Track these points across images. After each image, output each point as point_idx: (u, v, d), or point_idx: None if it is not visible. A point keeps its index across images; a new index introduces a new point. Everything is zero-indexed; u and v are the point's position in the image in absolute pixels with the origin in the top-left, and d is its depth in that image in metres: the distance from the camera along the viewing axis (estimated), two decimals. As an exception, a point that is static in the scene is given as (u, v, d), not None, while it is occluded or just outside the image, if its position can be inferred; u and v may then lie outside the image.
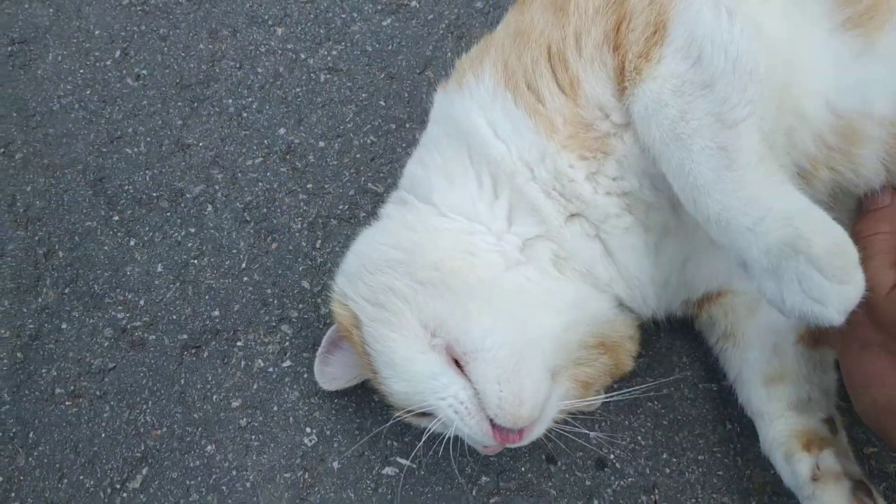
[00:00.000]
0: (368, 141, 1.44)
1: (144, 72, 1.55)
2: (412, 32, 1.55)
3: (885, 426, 0.84)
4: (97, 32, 1.60)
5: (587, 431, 1.07)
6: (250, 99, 1.50)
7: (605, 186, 0.96)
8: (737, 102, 0.84)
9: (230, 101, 1.50)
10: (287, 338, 1.26)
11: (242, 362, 1.24)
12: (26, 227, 1.38)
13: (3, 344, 1.27)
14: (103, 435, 1.19)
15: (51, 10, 1.63)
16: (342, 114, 1.47)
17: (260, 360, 1.24)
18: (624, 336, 1.07)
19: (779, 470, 1.00)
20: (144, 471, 1.16)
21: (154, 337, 1.26)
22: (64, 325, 1.28)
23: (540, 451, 1.12)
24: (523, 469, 1.13)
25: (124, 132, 1.47)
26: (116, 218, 1.38)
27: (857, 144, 0.93)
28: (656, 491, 1.10)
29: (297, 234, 1.35)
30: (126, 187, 1.41)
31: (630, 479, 1.12)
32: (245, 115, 1.48)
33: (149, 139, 1.46)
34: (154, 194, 1.40)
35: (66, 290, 1.31)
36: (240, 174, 1.41)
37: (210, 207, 1.38)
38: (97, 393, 1.22)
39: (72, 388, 1.23)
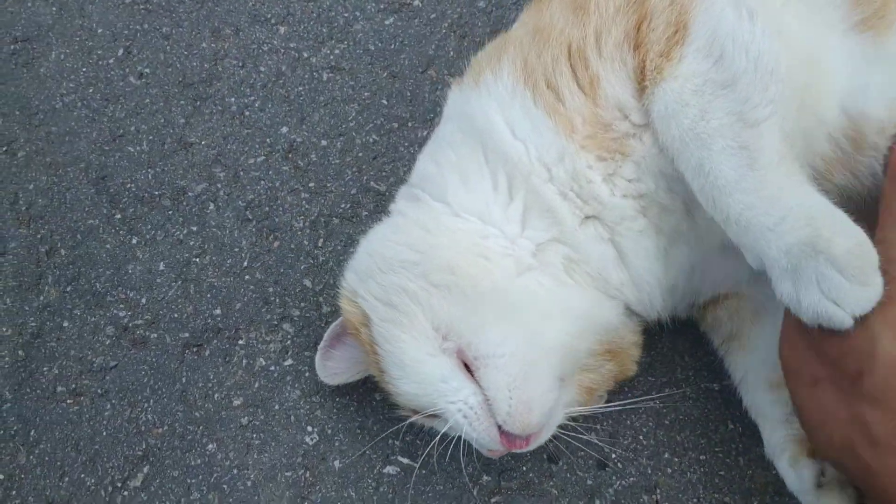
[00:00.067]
0: (371, 140, 1.44)
1: (147, 70, 1.55)
2: (415, 31, 1.55)
3: (844, 462, 0.82)
4: (100, 31, 1.60)
5: (589, 438, 1.07)
6: (253, 97, 1.50)
7: (621, 188, 0.96)
8: (759, 102, 0.84)
9: (232, 99, 1.50)
10: (289, 336, 1.25)
11: (244, 361, 1.24)
12: (28, 225, 1.38)
13: (4, 342, 1.27)
14: (104, 433, 1.19)
15: (54, 9, 1.63)
16: (344, 112, 1.47)
17: (261, 359, 1.24)
18: (629, 343, 1.08)
19: (782, 475, 0.99)
20: (145, 469, 1.16)
21: (156, 335, 1.26)
22: (65, 324, 1.28)
23: (541, 450, 1.12)
24: (525, 468, 1.13)
25: (127, 130, 1.47)
26: (118, 216, 1.38)
27: (861, 150, 0.93)
28: (658, 491, 1.10)
29: (299, 233, 1.35)
30: (128, 185, 1.41)
31: (632, 479, 1.11)
32: (247, 113, 1.48)
33: (151, 137, 1.46)
34: (156, 192, 1.40)
35: (68, 289, 1.31)
36: (242, 173, 1.41)
37: (212, 206, 1.38)
38: (98, 391, 1.22)
39: (73, 386, 1.23)
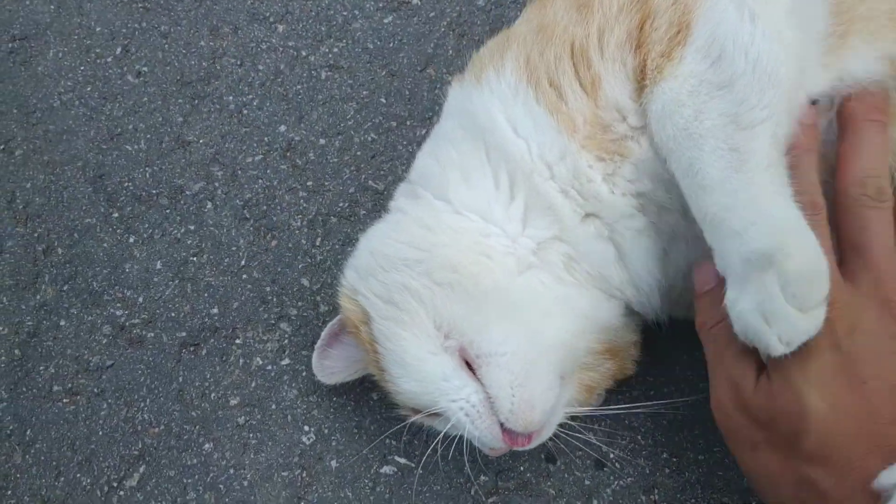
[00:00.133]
0: (369, 138, 1.43)
1: (145, 69, 1.54)
2: (413, 30, 1.55)
3: None
4: (98, 29, 1.60)
5: (587, 438, 1.06)
6: (251, 96, 1.49)
7: (621, 188, 0.95)
8: (755, 105, 0.83)
9: (231, 98, 1.49)
10: (286, 336, 1.25)
11: (241, 360, 1.23)
12: (25, 223, 1.37)
13: (0, 341, 1.27)
14: (100, 433, 1.18)
15: (52, 7, 1.62)
16: (343, 111, 1.47)
17: (258, 358, 1.23)
18: (629, 342, 1.07)
19: None
20: (142, 469, 1.15)
21: (152, 334, 1.26)
22: (62, 323, 1.28)
23: (539, 450, 1.12)
24: (522, 468, 1.13)
25: (124, 129, 1.47)
26: (116, 215, 1.38)
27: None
28: (656, 491, 1.10)
29: (297, 232, 1.34)
30: (126, 184, 1.41)
31: (629, 479, 1.11)
32: (245, 112, 1.48)
33: (149, 136, 1.46)
34: (154, 191, 1.40)
35: (65, 287, 1.31)
36: (240, 171, 1.41)
37: (210, 205, 1.38)
38: (95, 390, 1.22)
39: (69, 385, 1.22)
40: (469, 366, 0.96)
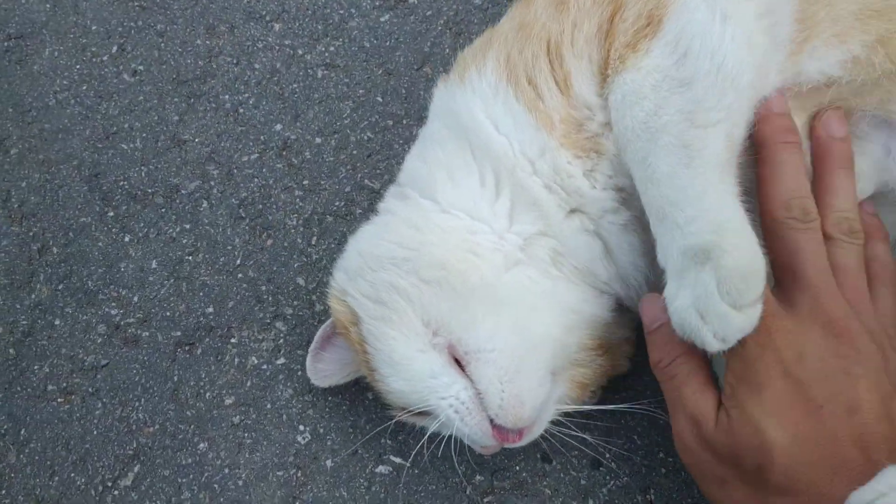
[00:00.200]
0: (365, 137, 1.43)
1: (141, 67, 1.54)
2: (410, 28, 1.54)
3: None
4: (94, 28, 1.59)
5: (583, 437, 1.06)
6: (247, 95, 1.49)
7: (602, 183, 0.95)
8: (712, 106, 0.83)
9: (227, 96, 1.49)
10: (281, 335, 1.25)
11: (236, 359, 1.23)
12: (20, 222, 1.37)
13: (-5, 340, 1.26)
14: (95, 432, 1.18)
15: (48, 6, 1.62)
16: (339, 110, 1.46)
17: (254, 358, 1.23)
18: (621, 338, 1.07)
19: None
20: (136, 468, 1.15)
21: (147, 334, 1.26)
22: (57, 322, 1.27)
23: (535, 449, 1.11)
24: (518, 468, 1.12)
25: (120, 128, 1.47)
26: (111, 214, 1.37)
27: None
28: (652, 490, 1.09)
29: (293, 231, 1.34)
30: (121, 183, 1.40)
31: (625, 479, 1.11)
32: (241, 111, 1.47)
33: (144, 135, 1.46)
34: (149, 190, 1.39)
35: (60, 287, 1.31)
36: (235, 170, 1.40)
37: (205, 203, 1.37)
38: (89, 390, 1.21)
39: (64, 384, 1.22)
40: (458, 363, 0.96)
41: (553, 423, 1.03)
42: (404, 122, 1.43)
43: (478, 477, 1.12)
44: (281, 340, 1.24)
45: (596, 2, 0.92)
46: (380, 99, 1.47)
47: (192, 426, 1.18)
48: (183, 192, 1.39)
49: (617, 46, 0.88)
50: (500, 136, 0.96)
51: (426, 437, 1.02)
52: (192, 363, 1.23)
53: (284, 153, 1.42)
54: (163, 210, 1.37)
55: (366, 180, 1.38)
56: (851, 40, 0.89)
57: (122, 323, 1.27)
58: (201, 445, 1.16)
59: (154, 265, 1.32)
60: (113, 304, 1.28)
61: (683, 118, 0.83)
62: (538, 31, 0.95)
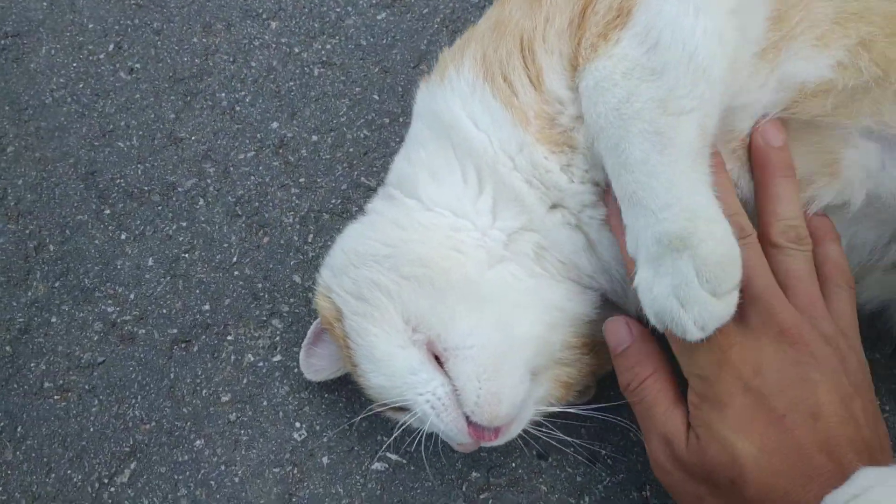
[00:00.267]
0: (362, 135, 1.43)
1: (138, 65, 1.54)
2: (407, 26, 1.54)
3: None
4: (91, 26, 1.59)
5: (579, 434, 1.06)
6: (243, 93, 1.49)
7: (579, 177, 0.96)
8: (684, 94, 0.83)
9: (223, 94, 1.49)
10: (278, 332, 1.25)
11: (232, 357, 1.23)
12: (17, 220, 1.37)
13: (-8, 337, 1.27)
14: (91, 429, 1.18)
15: (44, 4, 1.62)
16: (336, 108, 1.46)
17: (250, 355, 1.23)
18: None
19: None
20: (133, 465, 1.15)
21: (144, 331, 1.26)
22: (54, 319, 1.27)
23: (531, 446, 1.11)
24: (514, 465, 1.12)
25: (117, 126, 1.47)
26: (108, 211, 1.37)
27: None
28: (648, 487, 1.10)
29: (289, 229, 1.34)
30: (118, 181, 1.40)
31: (621, 476, 1.11)
32: (238, 108, 1.47)
33: (141, 133, 1.46)
34: (146, 188, 1.39)
35: (57, 284, 1.31)
36: (232, 168, 1.40)
37: (202, 201, 1.37)
38: (86, 387, 1.21)
39: (60, 382, 1.22)
40: (438, 360, 0.97)
41: (541, 425, 1.03)
42: (400, 119, 1.43)
43: (474, 474, 1.12)
44: (277, 338, 1.24)
45: None
46: (376, 97, 1.47)
47: (188, 423, 1.18)
48: (179, 189, 1.39)
49: (588, 36, 0.89)
50: (479, 133, 0.97)
51: (422, 434, 1.02)
52: (188, 360, 1.23)
53: (281, 151, 1.42)
54: (159, 208, 1.37)
55: (362, 178, 1.38)
56: (834, 44, 0.89)
57: (118, 320, 1.27)
58: (198, 442, 1.16)
59: (150, 263, 1.32)
60: (109, 301, 1.28)
61: (656, 105, 0.83)
62: (512, 28, 0.96)
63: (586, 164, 0.94)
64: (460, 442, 0.99)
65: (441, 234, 1.00)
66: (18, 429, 1.18)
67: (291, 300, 1.27)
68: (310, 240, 1.33)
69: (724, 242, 0.80)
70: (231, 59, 1.53)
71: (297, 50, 1.54)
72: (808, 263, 0.92)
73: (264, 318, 1.26)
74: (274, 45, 1.54)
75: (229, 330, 1.25)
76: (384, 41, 1.53)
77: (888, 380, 1.15)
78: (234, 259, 1.32)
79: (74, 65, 1.55)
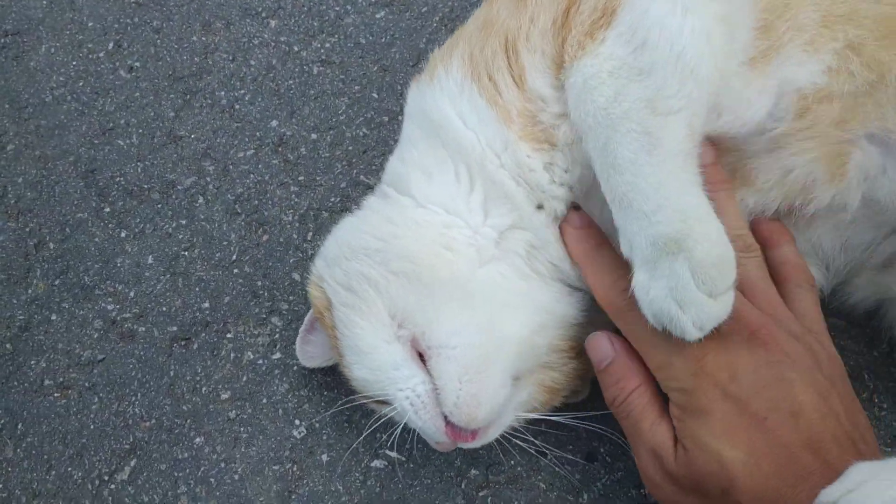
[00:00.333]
0: (361, 133, 1.43)
1: (137, 64, 1.54)
2: (406, 25, 1.55)
3: None
4: (90, 24, 1.60)
5: (578, 432, 1.07)
6: (243, 91, 1.49)
7: (559, 176, 0.97)
8: (672, 94, 0.84)
9: (222, 93, 1.50)
10: (277, 330, 1.25)
11: (232, 354, 1.23)
12: (17, 218, 1.37)
13: (-8, 335, 1.27)
14: (92, 426, 1.18)
15: (44, 2, 1.62)
16: (335, 106, 1.47)
17: (249, 353, 1.23)
18: None
19: None
20: (133, 462, 1.16)
21: (144, 329, 1.26)
22: (54, 317, 1.28)
23: (529, 444, 1.12)
24: (513, 462, 1.13)
25: (116, 124, 1.47)
26: (107, 209, 1.38)
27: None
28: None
29: (289, 227, 1.35)
30: (117, 179, 1.41)
31: (620, 474, 1.11)
32: (237, 107, 1.48)
33: (141, 131, 1.46)
34: (145, 186, 1.40)
35: (57, 282, 1.31)
36: (231, 166, 1.41)
37: (201, 199, 1.38)
38: (86, 384, 1.22)
39: (61, 379, 1.22)
40: (422, 357, 0.97)
41: (548, 420, 1.04)
42: (399, 118, 1.44)
43: (473, 471, 1.13)
44: (277, 335, 1.25)
45: None
46: (375, 95, 1.48)
47: (188, 421, 1.18)
48: (179, 188, 1.39)
49: (575, 35, 0.89)
50: (468, 131, 0.97)
51: (372, 425, 1.04)
52: (188, 358, 1.23)
53: (280, 149, 1.43)
54: (159, 206, 1.37)
55: (361, 176, 1.39)
56: (823, 48, 0.90)
57: (118, 318, 1.27)
58: (197, 440, 1.17)
59: (150, 261, 1.32)
60: (109, 299, 1.29)
61: (644, 105, 0.84)
62: (498, 27, 0.97)
63: (566, 162, 0.95)
64: (437, 441, 1.00)
65: (433, 231, 1.00)
66: (19, 426, 1.19)
67: (291, 298, 1.28)
68: (309, 238, 1.33)
69: (719, 243, 0.81)
70: (230, 58, 1.53)
71: (296, 48, 1.54)
72: (761, 269, 0.93)
73: (264, 316, 1.26)
74: (273, 44, 1.55)
75: (229, 328, 1.25)
76: (383, 40, 1.54)
77: (885, 378, 1.15)
78: (234, 257, 1.32)
79: (74, 63, 1.55)
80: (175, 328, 1.26)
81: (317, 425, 1.17)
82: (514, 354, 0.96)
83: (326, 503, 1.11)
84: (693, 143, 0.85)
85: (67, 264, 1.32)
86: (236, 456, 1.15)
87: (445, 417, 0.95)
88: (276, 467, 1.14)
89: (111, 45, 1.57)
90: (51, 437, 1.18)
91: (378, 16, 1.56)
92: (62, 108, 1.49)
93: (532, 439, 1.05)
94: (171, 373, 1.22)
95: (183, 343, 1.25)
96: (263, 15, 1.58)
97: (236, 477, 1.14)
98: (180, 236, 1.34)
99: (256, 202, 1.37)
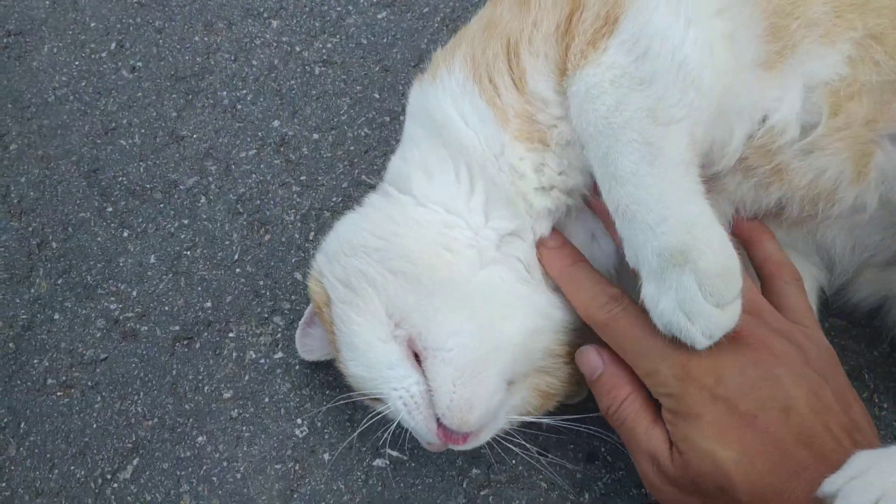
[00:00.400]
0: (362, 133, 1.44)
1: (139, 64, 1.55)
2: (407, 25, 1.55)
3: None
4: (93, 24, 1.60)
5: (579, 431, 1.07)
6: (245, 91, 1.50)
7: (549, 179, 0.97)
8: (673, 103, 0.84)
9: (224, 93, 1.50)
10: (279, 329, 1.26)
11: (234, 353, 1.24)
12: (20, 217, 1.38)
13: (-5, 334, 1.27)
14: (94, 425, 1.19)
15: (47, 3, 1.63)
16: (336, 106, 1.47)
17: (252, 352, 1.24)
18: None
19: None
20: (135, 461, 1.16)
21: (146, 328, 1.26)
22: (56, 316, 1.28)
23: (531, 443, 1.12)
24: (514, 461, 1.13)
25: (119, 124, 1.47)
26: (110, 209, 1.38)
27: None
28: (647, 484, 1.10)
29: (290, 226, 1.35)
30: (120, 178, 1.41)
31: (621, 473, 1.12)
32: (239, 107, 1.48)
33: (143, 131, 1.46)
34: (148, 186, 1.40)
35: (59, 281, 1.31)
36: (233, 166, 1.41)
37: (203, 199, 1.38)
38: (89, 383, 1.22)
39: (63, 378, 1.23)
40: (418, 357, 0.97)
41: (549, 419, 1.04)
42: (401, 118, 1.44)
43: (474, 470, 1.13)
44: (279, 335, 1.25)
45: (556, 1, 0.93)
46: (377, 95, 1.48)
47: (190, 420, 1.19)
48: (181, 187, 1.39)
49: (577, 43, 0.89)
50: (469, 131, 0.98)
51: (367, 422, 1.04)
52: (190, 357, 1.24)
53: (282, 149, 1.43)
54: (161, 205, 1.38)
55: (363, 176, 1.39)
56: (839, 38, 0.90)
57: (120, 317, 1.27)
58: (200, 439, 1.17)
59: (153, 260, 1.33)
60: (112, 298, 1.29)
61: (645, 115, 0.84)
62: (501, 30, 0.97)
63: (559, 165, 0.96)
64: (429, 441, 1.00)
65: (434, 230, 1.01)
66: (22, 425, 1.19)
67: (293, 297, 1.28)
68: (311, 237, 1.34)
69: (723, 254, 0.81)
70: (232, 58, 1.54)
71: (298, 48, 1.54)
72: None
73: (266, 316, 1.27)
74: (275, 44, 1.55)
75: (231, 327, 1.26)
76: (385, 40, 1.54)
77: (886, 378, 1.15)
78: (236, 256, 1.32)
79: (77, 63, 1.55)
80: (177, 327, 1.26)
81: (318, 424, 1.17)
82: (509, 358, 0.97)
83: (328, 502, 1.12)
84: (694, 152, 0.86)
85: (70, 264, 1.33)
86: (238, 455, 1.15)
87: (438, 419, 0.96)
88: (278, 466, 1.15)
89: (113, 45, 1.57)
90: (53, 435, 1.18)
91: (380, 16, 1.57)
92: (65, 108, 1.50)
93: (525, 443, 1.05)
94: (174, 372, 1.23)
95: (185, 342, 1.25)
96: (265, 15, 1.59)
97: (238, 476, 1.14)
98: (182, 236, 1.35)
99: (258, 202, 1.37)
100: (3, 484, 1.14)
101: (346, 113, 1.46)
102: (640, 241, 0.83)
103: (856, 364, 1.16)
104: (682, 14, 0.85)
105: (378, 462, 1.14)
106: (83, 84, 1.52)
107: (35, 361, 1.24)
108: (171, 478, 1.14)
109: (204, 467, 1.15)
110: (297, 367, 1.21)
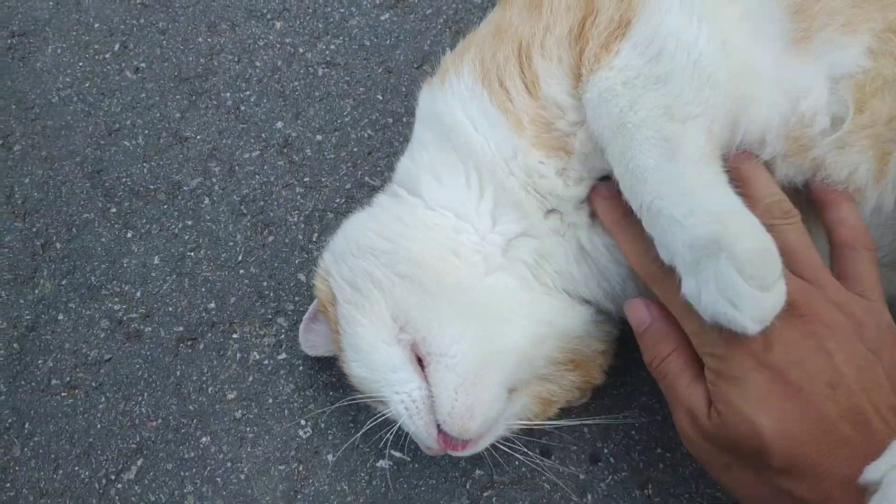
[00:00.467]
0: (366, 135, 1.44)
1: (143, 65, 1.55)
2: (410, 27, 1.55)
3: None
4: (96, 25, 1.60)
5: (581, 432, 1.07)
6: (248, 92, 1.50)
7: (574, 179, 0.96)
8: (690, 100, 0.84)
9: (228, 94, 1.50)
10: (283, 330, 1.26)
11: (238, 354, 1.24)
12: (24, 218, 1.38)
13: (-1, 335, 1.27)
14: (98, 426, 1.19)
15: (50, 4, 1.63)
16: (340, 108, 1.47)
17: (255, 353, 1.24)
18: (596, 351, 1.07)
19: None
20: (139, 462, 1.16)
21: (150, 329, 1.27)
22: (60, 317, 1.28)
23: (534, 444, 1.12)
24: (517, 463, 1.13)
25: (122, 125, 1.48)
26: (114, 210, 1.38)
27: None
28: (650, 486, 1.10)
29: (294, 228, 1.35)
30: (124, 179, 1.41)
31: (624, 474, 1.12)
32: (243, 108, 1.48)
33: (147, 132, 1.47)
34: (151, 187, 1.40)
35: (63, 282, 1.32)
36: (237, 167, 1.41)
37: (207, 200, 1.38)
38: (93, 384, 1.22)
39: (68, 379, 1.23)
40: (421, 362, 0.98)
41: (552, 421, 1.04)
42: (404, 119, 1.44)
43: (477, 471, 1.13)
44: (282, 336, 1.25)
45: (569, 6, 0.93)
46: (380, 97, 1.48)
47: (194, 420, 1.19)
48: (185, 188, 1.40)
49: (591, 48, 0.89)
50: (478, 136, 0.98)
51: (370, 424, 1.05)
52: (194, 358, 1.24)
53: (285, 150, 1.43)
54: (165, 206, 1.38)
55: (366, 177, 1.39)
56: (860, 28, 0.89)
57: (124, 318, 1.28)
58: (204, 439, 1.17)
59: (156, 261, 1.33)
60: (116, 299, 1.29)
61: (662, 112, 0.84)
62: (511, 34, 0.97)
63: (583, 168, 0.95)
64: (428, 446, 1.01)
65: (442, 234, 1.01)
66: (26, 425, 1.19)
67: (296, 298, 1.28)
68: (314, 239, 1.34)
69: (758, 236, 0.79)
70: (236, 59, 1.54)
71: (301, 50, 1.55)
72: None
73: (269, 317, 1.27)
74: (278, 46, 1.55)
75: (235, 328, 1.26)
76: (388, 42, 1.54)
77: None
78: (240, 258, 1.32)
79: (80, 64, 1.55)
80: (181, 328, 1.26)
81: (322, 425, 1.18)
82: (512, 366, 0.97)
83: (332, 503, 1.12)
84: (713, 146, 0.85)
85: (74, 264, 1.33)
86: (242, 455, 1.16)
87: (439, 426, 0.96)
88: (281, 467, 1.15)
89: (117, 46, 1.57)
90: (58, 436, 1.18)
91: (383, 18, 1.57)
92: (68, 109, 1.50)
93: (526, 449, 1.06)
94: (178, 373, 1.23)
95: (189, 343, 1.25)
96: (269, 17, 1.59)
97: (242, 476, 1.14)
98: (186, 237, 1.35)
99: (262, 203, 1.37)
100: (8, 484, 1.15)
101: (350, 114, 1.46)
102: (670, 236, 0.82)
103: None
104: (696, 13, 0.85)
105: (381, 463, 1.15)
106: (87, 85, 1.53)
107: (39, 362, 1.24)
108: (174, 478, 1.15)
109: (208, 468, 1.15)
110: (300, 367, 1.22)
